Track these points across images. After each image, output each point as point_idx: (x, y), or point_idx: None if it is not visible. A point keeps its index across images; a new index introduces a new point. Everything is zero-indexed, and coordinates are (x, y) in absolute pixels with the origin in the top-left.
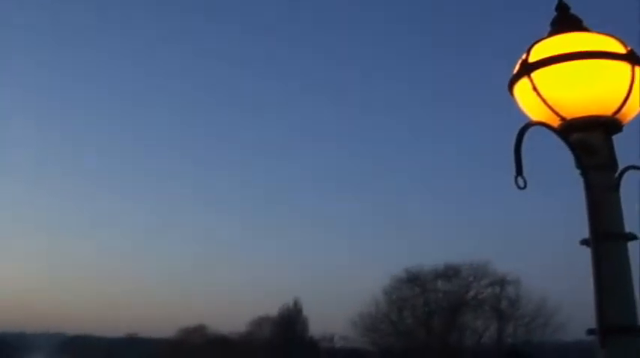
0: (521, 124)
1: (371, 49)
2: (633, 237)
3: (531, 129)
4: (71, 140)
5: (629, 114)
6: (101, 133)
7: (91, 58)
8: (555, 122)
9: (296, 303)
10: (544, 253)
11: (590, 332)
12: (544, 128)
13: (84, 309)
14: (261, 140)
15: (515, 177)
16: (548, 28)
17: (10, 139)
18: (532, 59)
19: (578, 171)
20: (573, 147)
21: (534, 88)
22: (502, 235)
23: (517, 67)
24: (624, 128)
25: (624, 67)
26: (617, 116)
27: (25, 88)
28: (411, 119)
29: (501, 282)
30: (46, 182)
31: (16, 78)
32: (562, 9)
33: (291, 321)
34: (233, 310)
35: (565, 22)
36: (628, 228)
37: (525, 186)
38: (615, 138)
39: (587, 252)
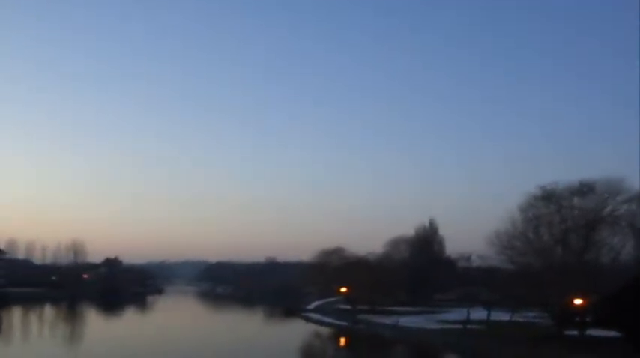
0: None
1: None
2: None
3: None
4: None
5: None
6: None
7: None
8: None
9: (432, 223)
10: None
11: None
12: None
13: (225, 237)
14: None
15: None
16: None
17: None
18: None
19: None
20: None
21: None
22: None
23: None
24: None
25: None
26: None
27: None
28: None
29: (638, 199)
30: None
31: None
32: None
33: (427, 241)
34: (370, 231)
35: None
36: None
37: None
38: None
39: None
